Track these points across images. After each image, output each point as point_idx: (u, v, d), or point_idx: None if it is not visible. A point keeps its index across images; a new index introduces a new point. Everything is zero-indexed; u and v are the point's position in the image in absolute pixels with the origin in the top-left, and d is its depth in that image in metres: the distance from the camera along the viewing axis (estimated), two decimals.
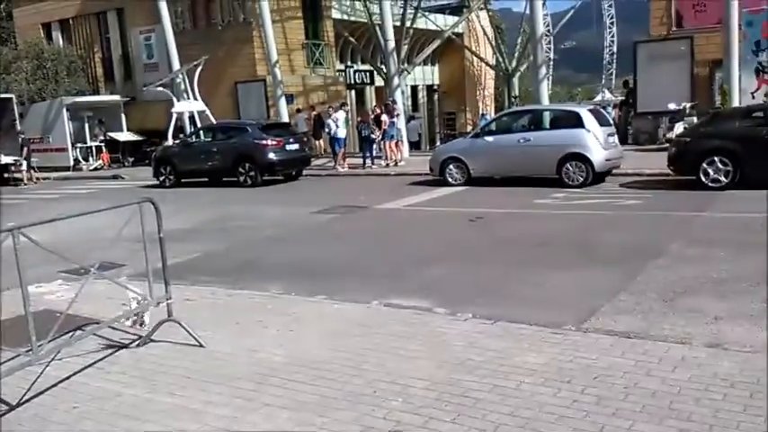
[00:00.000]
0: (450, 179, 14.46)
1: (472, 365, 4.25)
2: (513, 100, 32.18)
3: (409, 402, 3.76)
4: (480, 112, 33.65)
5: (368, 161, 19.39)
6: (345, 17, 28.36)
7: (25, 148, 21.72)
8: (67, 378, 4.43)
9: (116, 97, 27.21)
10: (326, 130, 20.22)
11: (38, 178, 22.19)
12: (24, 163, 21.69)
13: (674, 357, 4.18)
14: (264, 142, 16.89)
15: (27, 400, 4.09)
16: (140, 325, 5.07)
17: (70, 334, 4.84)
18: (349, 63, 29.81)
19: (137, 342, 5.04)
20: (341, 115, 19.55)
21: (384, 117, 19.29)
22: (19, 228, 3.90)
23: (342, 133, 19.50)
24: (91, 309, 5.71)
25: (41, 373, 4.36)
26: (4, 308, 5.68)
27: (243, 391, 4.07)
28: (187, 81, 23.43)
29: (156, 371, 4.51)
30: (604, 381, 3.90)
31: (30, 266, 4.07)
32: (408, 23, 24.53)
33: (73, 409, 3.97)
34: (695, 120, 15.39)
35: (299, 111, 24.33)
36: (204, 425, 3.65)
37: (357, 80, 27.93)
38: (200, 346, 4.89)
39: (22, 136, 22.09)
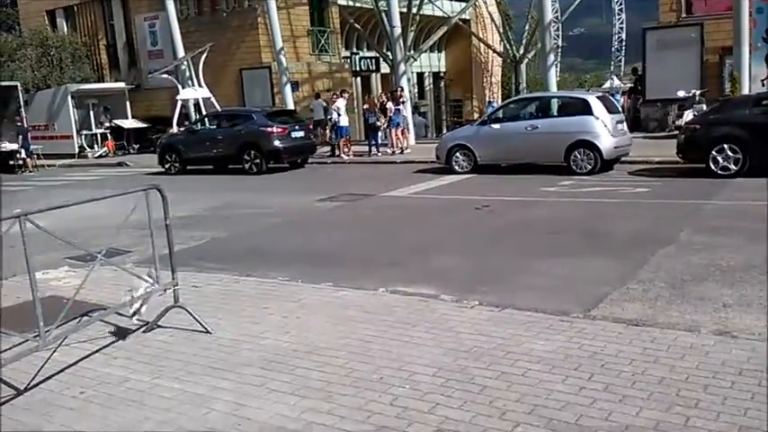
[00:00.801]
0: (456, 167, 14.40)
1: (479, 352, 4.24)
2: (518, 88, 31.92)
3: (416, 389, 3.76)
4: (487, 100, 33.42)
5: (374, 149, 19.35)
6: (351, 3, 28.16)
7: (20, 136, 21.69)
8: (74, 364, 4.45)
9: (121, 84, 27.21)
10: (329, 117, 20.10)
11: (42, 165, 22.14)
12: (23, 151, 21.67)
13: (682, 345, 4.16)
14: (270, 129, 16.86)
15: (34, 386, 4.11)
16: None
17: (77, 320, 4.85)
18: (354, 50, 29.61)
19: (143, 328, 5.05)
20: (341, 103, 19.41)
21: (389, 104, 19.22)
22: (26, 214, 3.90)
23: (344, 121, 19.40)
24: (97, 295, 5.73)
25: (48, 358, 4.38)
26: (12, 294, 5.71)
27: (249, 377, 4.07)
28: (192, 68, 23.37)
29: (162, 357, 4.52)
30: (612, 368, 3.88)
31: (36, 253, 4.07)
32: (415, 10, 24.35)
33: (79, 395, 3.98)
34: (705, 107, 15.25)
35: (317, 96, 24.05)
36: (211, 411, 3.66)
37: (363, 67, 27.74)
38: (207, 332, 4.89)
39: (19, 123, 22.09)
